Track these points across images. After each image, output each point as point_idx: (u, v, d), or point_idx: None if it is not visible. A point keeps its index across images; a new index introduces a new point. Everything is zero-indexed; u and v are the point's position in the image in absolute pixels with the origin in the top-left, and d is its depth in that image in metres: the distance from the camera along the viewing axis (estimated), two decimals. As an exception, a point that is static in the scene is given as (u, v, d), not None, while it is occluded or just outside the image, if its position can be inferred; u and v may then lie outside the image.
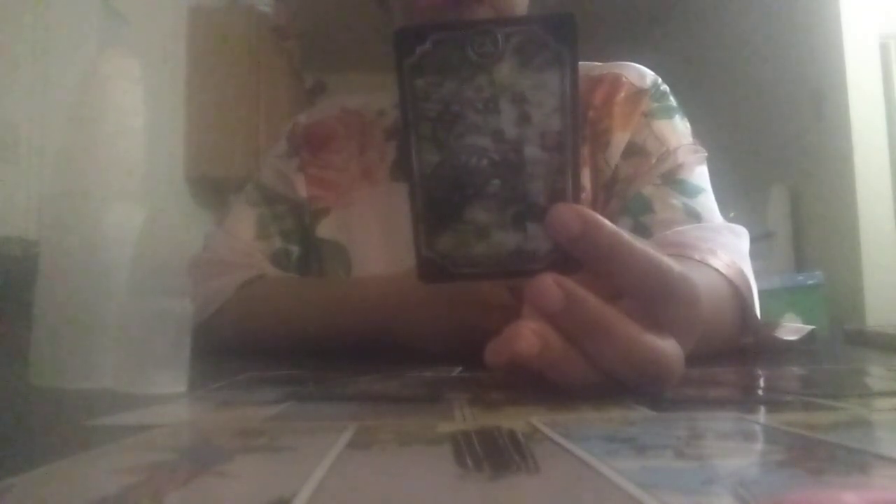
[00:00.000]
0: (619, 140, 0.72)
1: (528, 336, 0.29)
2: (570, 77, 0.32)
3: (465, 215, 0.33)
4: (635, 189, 0.69)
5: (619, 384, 0.31)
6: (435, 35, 0.32)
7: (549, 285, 0.30)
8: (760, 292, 0.63)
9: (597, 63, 0.79)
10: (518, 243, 0.33)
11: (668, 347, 0.31)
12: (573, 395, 0.31)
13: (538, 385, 0.32)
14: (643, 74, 0.77)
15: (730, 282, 0.57)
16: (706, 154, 0.73)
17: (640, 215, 0.67)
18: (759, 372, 0.48)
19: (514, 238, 0.33)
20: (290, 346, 0.62)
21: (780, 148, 2.90)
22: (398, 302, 0.58)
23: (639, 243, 0.32)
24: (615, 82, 0.75)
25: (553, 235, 0.32)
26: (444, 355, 0.53)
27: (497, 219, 0.33)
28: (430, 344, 0.56)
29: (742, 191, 2.67)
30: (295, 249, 0.78)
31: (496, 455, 0.20)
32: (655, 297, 0.32)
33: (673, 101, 0.77)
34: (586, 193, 0.71)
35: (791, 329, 0.64)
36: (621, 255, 0.31)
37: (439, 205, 0.34)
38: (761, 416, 0.28)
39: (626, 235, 0.32)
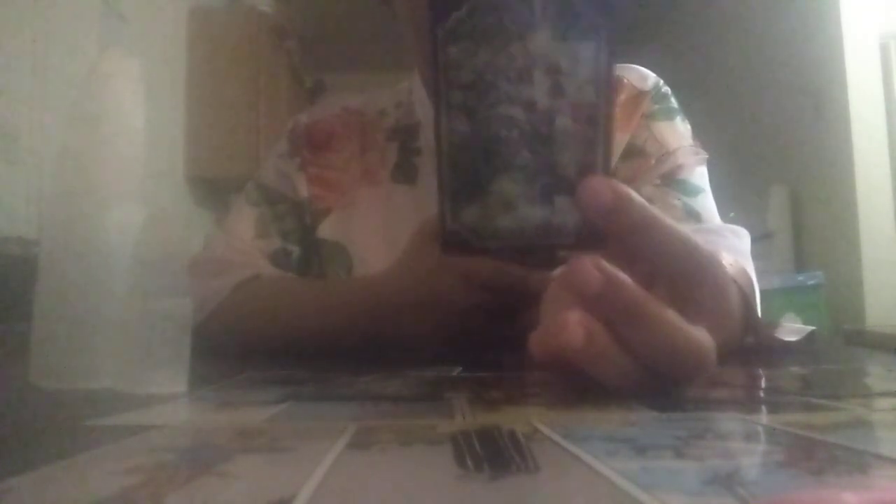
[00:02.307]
0: (619, 141, 0.72)
1: (573, 327, 0.29)
2: (606, 49, 0.32)
3: (492, 187, 0.33)
4: (635, 189, 0.68)
5: (656, 378, 0.30)
6: (471, 1, 0.32)
7: (588, 267, 0.29)
8: (761, 292, 0.63)
9: None
10: (545, 217, 0.32)
11: (703, 336, 0.31)
12: (612, 393, 0.31)
13: (576, 380, 0.31)
14: (645, 76, 0.77)
15: (734, 281, 0.57)
16: (706, 156, 0.74)
17: None
18: (760, 372, 0.48)
19: (541, 212, 0.32)
20: (284, 346, 0.62)
21: (780, 148, 2.90)
22: (380, 302, 0.58)
23: (669, 220, 0.32)
24: (616, 84, 0.75)
25: (583, 208, 0.31)
26: (430, 354, 0.53)
27: (525, 191, 0.32)
28: (414, 342, 0.56)
29: (742, 191, 2.67)
30: (295, 249, 0.78)
31: (496, 455, 0.20)
32: (685, 276, 0.32)
33: (674, 102, 0.77)
34: None
35: (791, 329, 0.64)
36: (652, 230, 0.31)
37: (466, 176, 0.33)
38: (761, 416, 0.28)
39: (657, 211, 0.32)
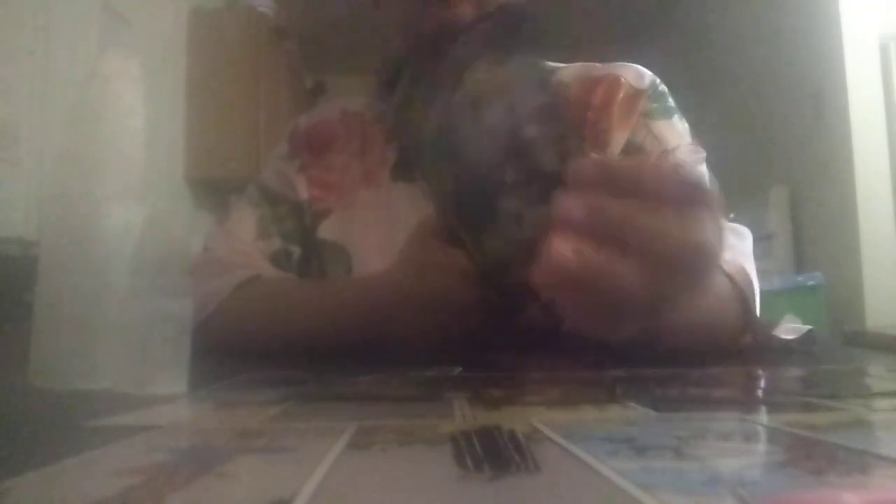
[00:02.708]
0: (618, 140, 0.72)
1: (558, 245, 0.32)
2: (534, 58, 0.35)
3: (497, 214, 0.35)
4: None
5: (664, 277, 0.33)
6: (409, 70, 0.37)
7: (569, 199, 0.32)
8: (761, 293, 0.63)
9: (596, 64, 0.79)
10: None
11: (700, 231, 0.33)
12: (624, 309, 0.33)
13: (589, 303, 0.34)
14: (641, 75, 0.78)
15: (731, 279, 0.58)
16: (705, 154, 0.74)
17: None
18: (759, 372, 0.48)
19: (547, 209, 0.35)
20: (285, 346, 0.62)
21: (780, 149, 2.90)
22: (379, 301, 0.58)
23: (650, 161, 0.36)
24: (614, 83, 0.75)
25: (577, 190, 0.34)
26: (429, 353, 0.53)
27: (525, 202, 0.35)
28: (414, 341, 0.56)
29: (742, 192, 2.67)
30: (295, 250, 0.78)
31: (496, 455, 0.20)
32: (681, 198, 0.34)
33: (671, 101, 0.77)
34: None
35: (789, 329, 0.64)
36: (644, 180, 0.33)
37: (471, 215, 0.36)
38: (761, 416, 0.28)
39: (637, 159, 0.35)
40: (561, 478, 0.18)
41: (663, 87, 0.78)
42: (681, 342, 0.53)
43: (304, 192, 0.78)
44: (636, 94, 0.75)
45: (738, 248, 0.64)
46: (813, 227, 2.68)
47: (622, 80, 0.76)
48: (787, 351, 0.61)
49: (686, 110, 0.78)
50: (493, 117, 0.34)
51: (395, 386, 0.37)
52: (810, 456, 0.20)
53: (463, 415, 0.27)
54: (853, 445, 0.21)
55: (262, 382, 0.40)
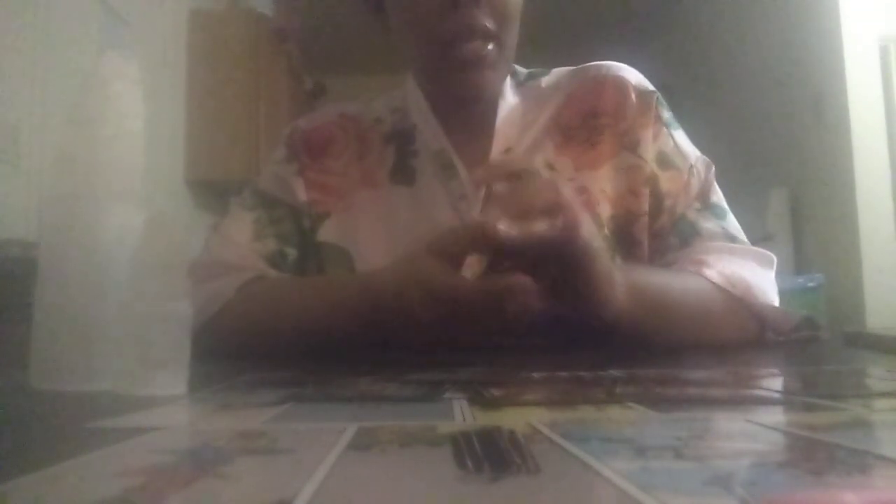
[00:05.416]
0: (645, 137, 0.74)
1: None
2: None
3: None
4: (681, 211, 0.74)
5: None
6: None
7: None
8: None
9: (567, 67, 0.81)
10: None
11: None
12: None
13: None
14: (639, 76, 0.79)
15: (718, 287, 0.65)
16: (713, 166, 0.76)
17: (688, 237, 0.73)
18: (760, 372, 0.48)
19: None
20: (290, 346, 0.62)
21: (780, 151, 2.90)
22: (377, 292, 0.58)
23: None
24: (621, 86, 0.76)
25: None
26: (425, 345, 0.55)
27: None
28: (411, 333, 0.56)
29: (742, 193, 2.67)
30: (291, 252, 0.78)
31: (496, 456, 0.20)
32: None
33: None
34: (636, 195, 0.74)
35: (787, 314, 0.70)
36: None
37: None
38: (761, 416, 0.28)
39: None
40: (561, 478, 0.18)
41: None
42: (679, 344, 0.60)
43: (303, 195, 0.78)
44: (645, 93, 0.76)
45: (746, 267, 0.69)
46: (813, 228, 2.68)
47: (629, 84, 0.76)
48: (814, 339, 0.67)
49: (687, 112, 0.78)
50: None
51: (394, 387, 0.37)
52: (810, 456, 0.20)
53: (463, 415, 0.27)
54: (853, 445, 0.21)
55: (262, 384, 0.40)
